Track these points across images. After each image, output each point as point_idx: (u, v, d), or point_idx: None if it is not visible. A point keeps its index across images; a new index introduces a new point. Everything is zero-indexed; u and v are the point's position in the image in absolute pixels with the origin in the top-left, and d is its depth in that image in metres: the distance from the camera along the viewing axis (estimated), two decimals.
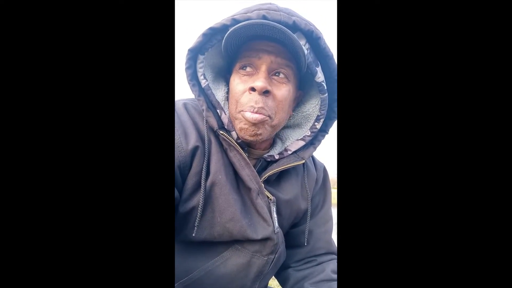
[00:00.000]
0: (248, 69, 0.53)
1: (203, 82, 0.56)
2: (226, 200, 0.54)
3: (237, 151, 0.55)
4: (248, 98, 0.52)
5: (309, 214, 0.66)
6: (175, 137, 0.53)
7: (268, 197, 0.58)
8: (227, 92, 0.59)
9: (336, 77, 0.57)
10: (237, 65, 0.55)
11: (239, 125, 0.54)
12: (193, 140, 0.54)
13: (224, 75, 0.62)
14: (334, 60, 0.55)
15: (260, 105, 0.51)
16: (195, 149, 0.54)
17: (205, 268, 0.56)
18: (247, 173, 0.56)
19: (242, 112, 0.53)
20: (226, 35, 0.49)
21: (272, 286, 0.76)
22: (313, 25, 0.52)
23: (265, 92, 0.52)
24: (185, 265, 0.57)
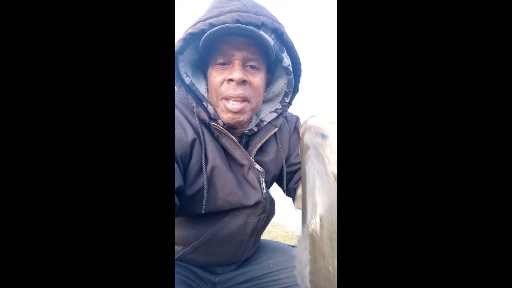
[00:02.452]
0: (223, 63, 0.62)
1: (187, 80, 0.64)
2: (224, 179, 0.66)
3: (228, 136, 0.66)
4: (227, 86, 0.62)
5: (284, 165, 0.77)
6: (176, 132, 0.62)
7: (258, 170, 0.71)
8: (207, 84, 0.67)
9: (297, 61, 0.68)
10: (213, 59, 0.63)
11: (222, 114, 0.64)
12: (190, 133, 0.63)
13: (199, 66, 0.70)
14: (295, 48, 0.67)
15: (240, 91, 0.61)
16: (194, 140, 0.63)
17: (212, 232, 0.71)
18: (239, 153, 0.67)
19: (223, 100, 0.62)
20: (203, 37, 0.57)
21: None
22: (277, 22, 0.62)
23: (243, 82, 0.62)
24: (195, 232, 0.71)
